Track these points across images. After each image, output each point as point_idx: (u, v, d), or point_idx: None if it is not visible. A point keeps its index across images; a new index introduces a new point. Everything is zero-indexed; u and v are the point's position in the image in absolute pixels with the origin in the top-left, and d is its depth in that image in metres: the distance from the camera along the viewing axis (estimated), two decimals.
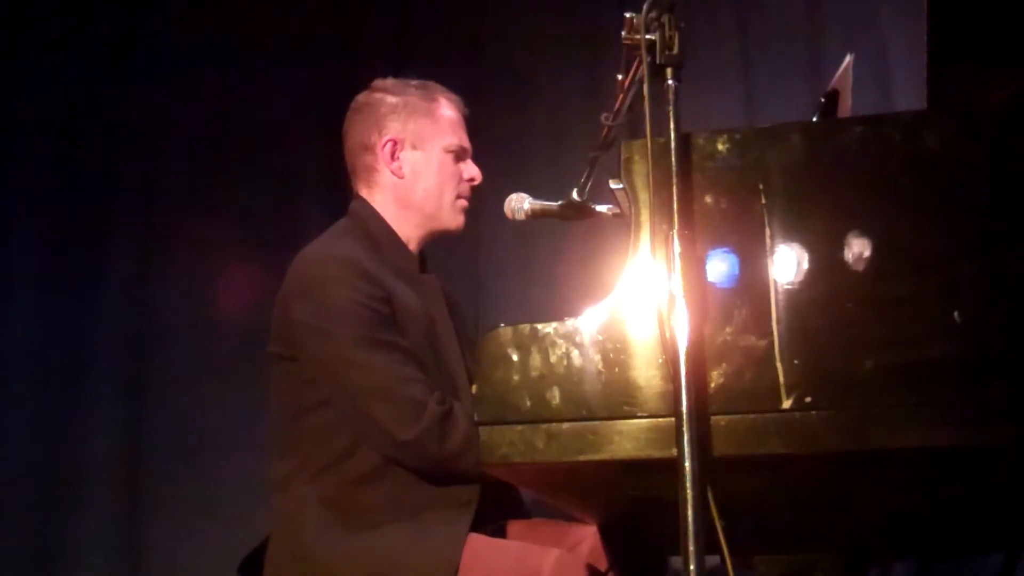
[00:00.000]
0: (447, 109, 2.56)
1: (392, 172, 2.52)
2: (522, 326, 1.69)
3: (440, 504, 2.29)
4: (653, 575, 2.43)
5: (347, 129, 2.59)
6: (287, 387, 2.41)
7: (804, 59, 3.61)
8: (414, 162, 2.52)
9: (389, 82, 2.59)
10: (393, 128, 2.52)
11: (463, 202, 2.57)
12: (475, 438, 2.21)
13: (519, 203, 2.46)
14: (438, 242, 2.64)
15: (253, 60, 3.94)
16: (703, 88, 3.45)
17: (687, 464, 1.54)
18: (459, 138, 2.56)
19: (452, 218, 2.56)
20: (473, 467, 2.20)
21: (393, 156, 2.51)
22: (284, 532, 2.37)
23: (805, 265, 1.63)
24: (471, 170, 2.58)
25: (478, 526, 2.29)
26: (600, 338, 1.66)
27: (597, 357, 1.66)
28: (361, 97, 2.59)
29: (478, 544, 2.26)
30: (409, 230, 2.54)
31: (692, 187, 1.68)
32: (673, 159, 1.65)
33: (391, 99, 2.54)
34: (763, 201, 1.67)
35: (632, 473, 1.67)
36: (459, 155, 2.56)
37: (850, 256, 1.62)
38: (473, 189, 2.59)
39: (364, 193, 2.56)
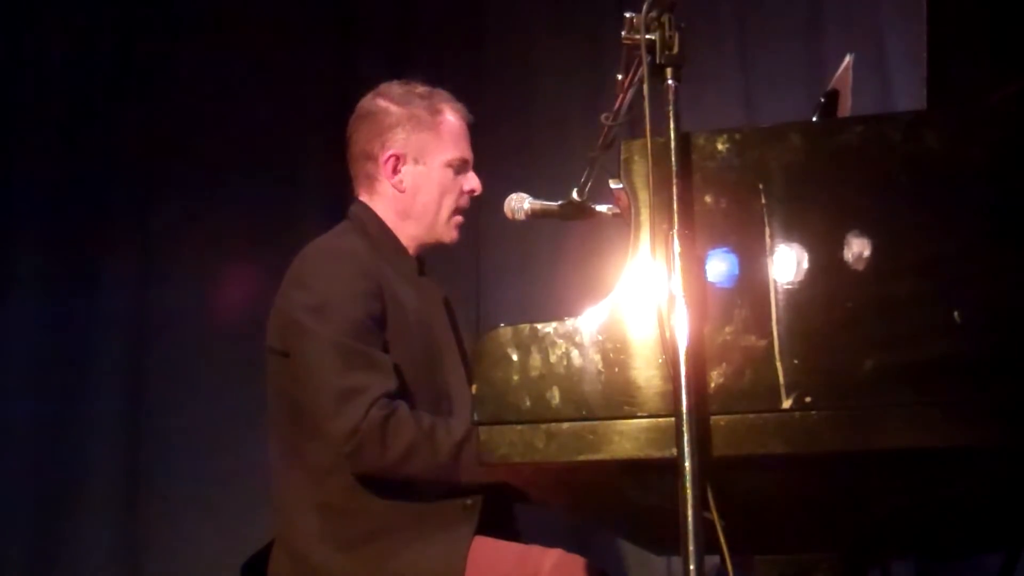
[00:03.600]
0: (451, 121, 2.55)
1: (393, 186, 2.52)
2: (522, 326, 1.68)
3: (440, 511, 2.28)
4: None
5: (351, 134, 2.58)
6: (283, 384, 2.40)
7: (804, 59, 3.61)
8: (415, 176, 2.52)
9: (395, 89, 2.57)
10: (396, 142, 2.51)
11: (459, 218, 2.57)
12: (423, 442, 2.25)
13: (519, 203, 2.45)
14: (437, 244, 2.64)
15: (253, 60, 3.94)
16: (703, 88, 3.45)
17: (687, 464, 1.54)
18: (461, 151, 2.56)
19: (446, 233, 2.57)
20: (423, 470, 2.23)
21: (395, 170, 2.52)
22: (285, 539, 2.36)
23: (805, 265, 1.63)
24: (471, 182, 2.58)
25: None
26: (600, 338, 1.66)
27: (597, 357, 1.65)
28: (366, 103, 2.57)
29: (478, 546, 2.26)
30: (406, 238, 2.55)
31: (692, 187, 1.67)
32: (673, 159, 1.64)
33: (396, 110, 2.53)
34: (763, 201, 1.66)
35: (632, 473, 1.67)
36: (460, 168, 2.56)
37: (850, 256, 1.62)
38: (473, 200, 2.60)
39: (364, 198, 2.56)
